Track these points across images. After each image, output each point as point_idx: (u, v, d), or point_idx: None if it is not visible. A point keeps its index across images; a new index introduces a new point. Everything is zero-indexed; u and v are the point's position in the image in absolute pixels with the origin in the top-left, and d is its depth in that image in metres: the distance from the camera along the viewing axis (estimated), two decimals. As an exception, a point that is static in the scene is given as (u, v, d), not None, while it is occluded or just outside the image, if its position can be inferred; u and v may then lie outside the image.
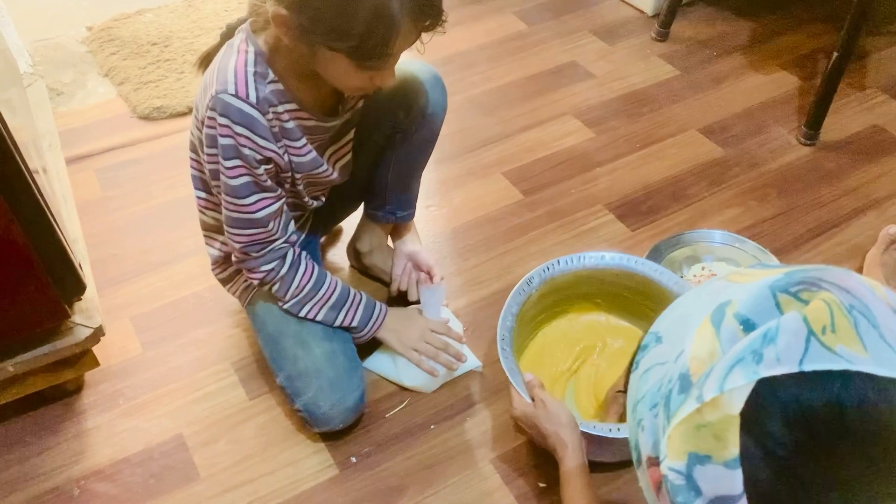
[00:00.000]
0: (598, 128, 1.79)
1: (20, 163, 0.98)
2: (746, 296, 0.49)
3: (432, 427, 1.24)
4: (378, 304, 1.26)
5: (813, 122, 1.73)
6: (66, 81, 1.92)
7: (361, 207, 1.43)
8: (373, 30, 0.92)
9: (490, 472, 1.19)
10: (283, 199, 1.12)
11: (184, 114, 1.80)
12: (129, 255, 1.51)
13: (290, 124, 1.08)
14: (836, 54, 1.63)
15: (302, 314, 1.19)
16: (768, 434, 0.45)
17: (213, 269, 1.29)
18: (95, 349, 1.21)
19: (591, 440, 1.05)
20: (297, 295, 1.17)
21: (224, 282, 1.30)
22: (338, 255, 1.51)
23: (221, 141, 1.02)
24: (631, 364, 0.59)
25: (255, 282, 1.17)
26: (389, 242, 1.46)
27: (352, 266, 1.49)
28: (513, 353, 1.15)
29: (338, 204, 1.36)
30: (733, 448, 0.45)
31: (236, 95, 1.01)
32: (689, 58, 1.99)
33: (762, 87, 1.91)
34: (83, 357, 1.19)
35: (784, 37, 2.06)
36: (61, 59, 1.98)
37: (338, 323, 1.21)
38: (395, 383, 1.29)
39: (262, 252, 1.13)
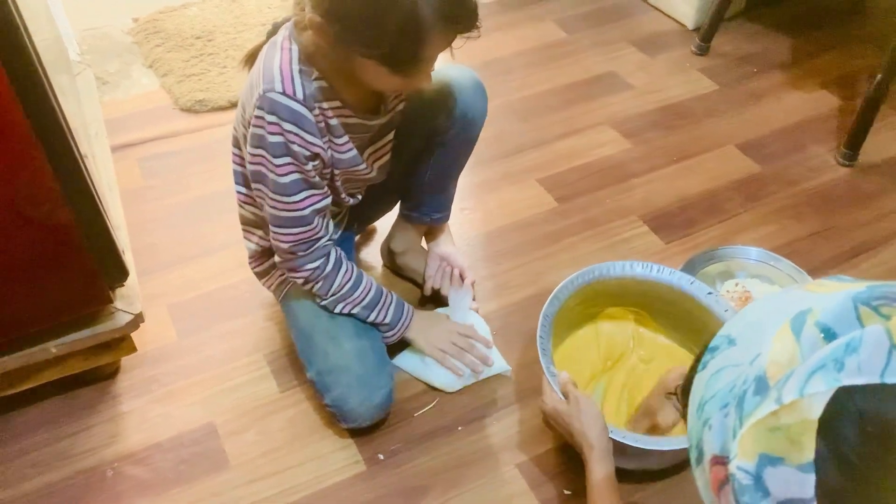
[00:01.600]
0: (635, 139, 1.79)
1: (74, 147, 1.00)
2: (828, 305, 0.50)
3: (459, 428, 1.25)
4: (407, 305, 1.28)
5: (852, 143, 1.71)
6: (111, 71, 1.96)
7: (396, 207, 1.44)
8: (403, 37, 0.93)
9: (515, 477, 1.19)
10: (329, 197, 1.14)
11: (225, 108, 1.83)
12: (167, 244, 1.53)
13: (334, 121, 1.09)
14: (879, 76, 1.62)
15: (336, 311, 1.21)
16: (844, 440, 0.46)
17: (250, 263, 1.31)
18: (133, 335, 1.23)
19: (616, 447, 1.05)
20: (337, 293, 1.19)
21: (260, 275, 1.32)
22: (371, 253, 1.53)
23: (271, 139, 1.04)
24: (694, 366, 0.60)
25: (300, 280, 1.18)
26: (423, 244, 1.47)
27: (384, 265, 1.51)
28: (550, 348, 1.15)
29: (374, 203, 1.37)
30: (808, 452, 0.46)
31: (283, 93, 1.02)
32: (729, 73, 1.99)
33: (802, 105, 1.90)
34: (122, 342, 1.21)
35: (826, 56, 2.05)
36: (108, 49, 2.02)
37: (370, 319, 1.23)
38: (422, 381, 1.30)
39: (309, 250, 1.14)
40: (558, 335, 1.27)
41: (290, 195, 1.08)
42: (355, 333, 1.21)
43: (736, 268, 1.45)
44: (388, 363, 1.24)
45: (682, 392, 0.64)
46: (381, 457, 1.21)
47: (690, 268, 1.42)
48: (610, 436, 1.04)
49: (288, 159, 1.05)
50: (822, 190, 1.67)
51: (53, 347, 1.13)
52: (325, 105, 1.07)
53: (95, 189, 1.08)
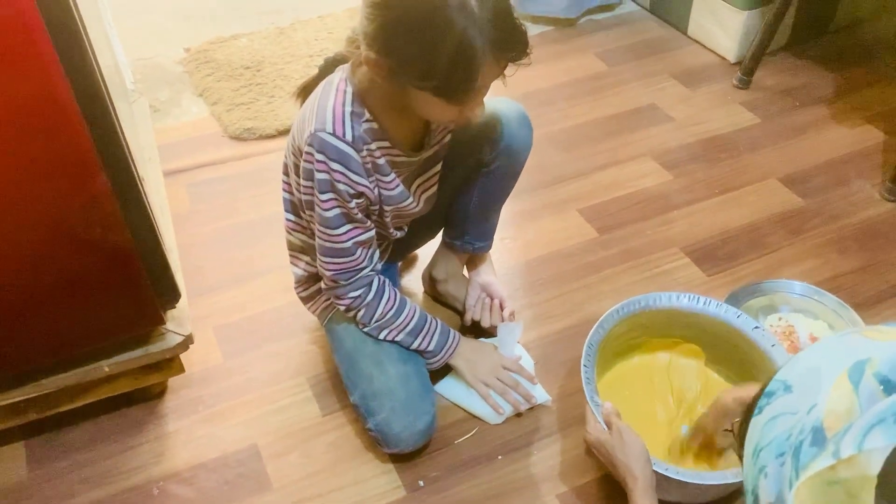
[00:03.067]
0: (676, 171, 1.79)
1: (134, 172, 1.04)
2: (887, 355, 0.49)
3: (499, 458, 1.25)
4: (453, 332, 1.29)
5: (898, 178, 1.70)
6: (162, 99, 2.02)
7: (439, 235, 1.46)
8: (456, 66, 0.95)
9: (556, 507, 1.19)
10: (373, 231, 1.17)
11: (272, 136, 1.88)
12: (214, 267, 1.57)
13: (382, 160, 1.13)
14: (925, 110, 1.61)
15: (381, 337, 1.23)
16: None
17: (295, 288, 1.34)
18: (181, 356, 1.26)
19: (659, 479, 1.04)
20: (380, 320, 1.21)
21: (305, 300, 1.34)
22: (413, 280, 1.54)
23: (318, 175, 1.07)
24: (751, 408, 0.59)
25: (342, 307, 1.21)
26: (465, 272, 1.48)
27: (425, 292, 1.52)
28: (594, 377, 1.15)
29: (417, 231, 1.39)
30: None
31: (333, 134, 1.06)
32: (771, 106, 1.99)
33: (845, 139, 1.89)
34: (171, 363, 1.24)
35: (870, 90, 2.04)
36: (159, 78, 2.09)
37: (414, 346, 1.24)
38: (463, 409, 1.31)
39: (351, 280, 1.17)
40: (602, 365, 1.27)
41: (333, 228, 1.12)
42: (400, 358, 1.23)
43: (780, 302, 1.44)
44: (432, 389, 1.26)
45: (738, 433, 0.63)
46: (422, 483, 1.22)
47: (734, 301, 1.41)
48: (654, 468, 1.03)
49: (331, 195, 1.09)
50: (867, 225, 1.66)
51: (106, 366, 1.16)
52: (373, 146, 1.10)
53: (152, 212, 1.11)
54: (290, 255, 1.31)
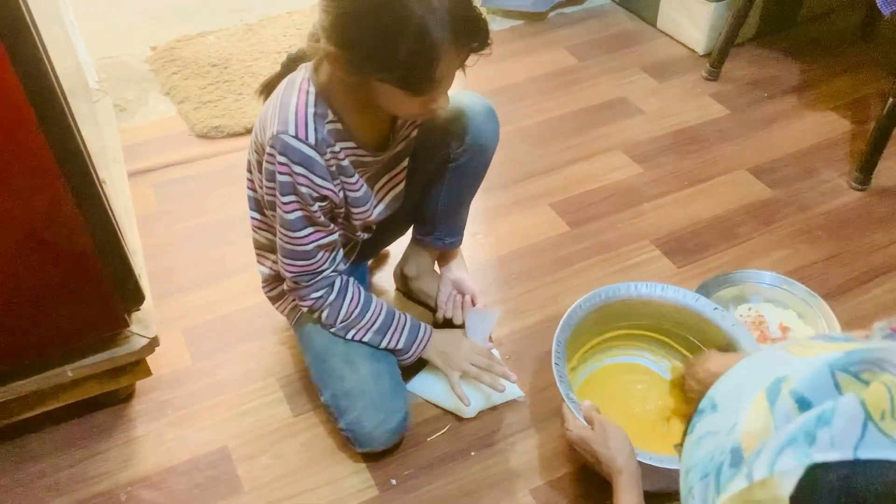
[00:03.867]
0: (647, 163, 1.80)
1: (93, 173, 1.02)
2: (804, 372, 0.48)
3: (473, 454, 1.25)
4: (423, 326, 1.28)
5: (865, 167, 1.72)
6: (128, 98, 1.99)
7: (409, 232, 1.45)
8: (416, 57, 0.94)
9: (529, 502, 1.18)
10: (335, 234, 1.15)
11: (240, 134, 1.85)
12: (182, 268, 1.55)
13: (346, 162, 1.11)
14: (890, 100, 1.63)
15: (348, 337, 1.22)
16: None
17: (263, 287, 1.32)
18: (148, 359, 1.24)
19: (644, 468, 1.04)
20: (345, 320, 1.20)
21: (273, 300, 1.33)
22: (384, 278, 1.53)
23: (280, 178, 1.06)
24: (686, 425, 0.58)
25: (305, 308, 1.20)
26: (436, 268, 1.48)
27: (397, 289, 1.51)
28: (567, 374, 1.15)
29: (387, 229, 1.38)
30: None
31: (296, 137, 1.04)
32: (740, 98, 2.00)
33: (813, 129, 1.90)
34: (137, 366, 1.22)
35: (837, 80, 2.05)
36: (125, 77, 2.05)
37: (383, 345, 1.23)
38: (435, 405, 1.30)
39: (311, 282, 1.16)
40: (576, 360, 1.27)
41: (294, 231, 1.10)
42: (371, 357, 1.22)
43: (749, 292, 1.45)
44: (404, 387, 1.25)
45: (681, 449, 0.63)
46: (395, 482, 1.21)
47: (704, 292, 1.41)
48: (638, 458, 1.03)
49: (294, 198, 1.07)
50: (835, 214, 1.67)
51: (70, 371, 1.14)
52: (336, 148, 1.09)
53: (113, 214, 1.09)
54: (257, 254, 1.29)
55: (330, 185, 1.09)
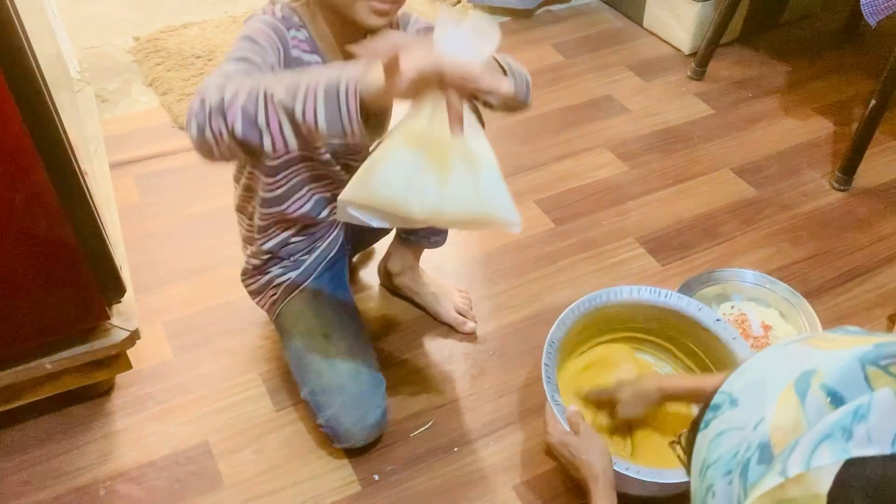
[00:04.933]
0: (632, 161, 1.80)
1: (75, 164, 1.00)
2: (834, 366, 0.47)
3: (455, 449, 1.24)
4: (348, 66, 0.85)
5: (847, 168, 1.73)
6: (111, 89, 1.96)
7: (394, 231, 1.45)
8: None
9: (512, 499, 1.18)
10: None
11: (224, 126, 1.83)
12: (165, 261, 1.53)
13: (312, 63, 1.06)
14: (872, 102, 1.64)
15: (260, 104, 0.83)
16: None
17: (242, 280, 1.31)
18: (128, 352, 1.22)
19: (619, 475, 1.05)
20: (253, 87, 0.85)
21: (253, 294, 1.31)
22: (369, 274, 1.53)
23: (243, 29, 1.00)
24: (697, 421, 0.57)
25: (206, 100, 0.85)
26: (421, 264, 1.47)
27: (381, 285, 1.51)
28: (556, 378, 1.15)
29: (370, 230, 1.37)
30: None
31: (263, 12, 1.03)
32: (725, 98, 2.01)
33: (797, 130, 1.91)
34: (117, 359, 1.21)
35: (820, 82, 2.07)
36: (108, 68, 2.03)
37: (297, 115, 0.83)
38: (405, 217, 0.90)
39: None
40: (561, 361, 1.27)
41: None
42: (349, 353, 1.21)
43: (732, 290, 1.46)
44: (382, 383, 1.24)
45: (686, 445, 0.61)
46: (377, 477, 1.20)
47: (686, 290, 1.42)
48: (614, 468, 1.03)
49: (244, 31, 1.00)
50: (818, 214, 1.68)
51: (49, 363, 1.12)
52: (301, 37, 1.04)
53: (95, 205, 1.08)
54: (243, 247, 1.28)
55: (280, 51, 1.01)
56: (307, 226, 1.22)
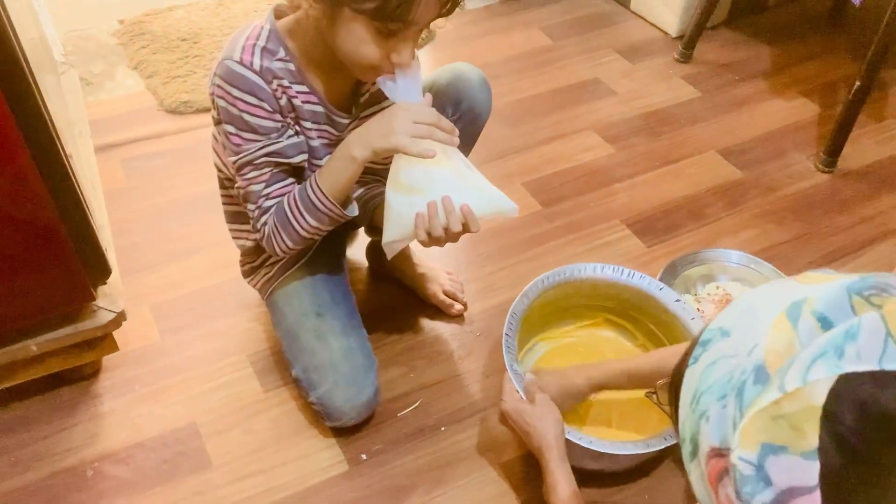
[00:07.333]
0: (619, 144, 1.81)
1: (59, 146, 1.00)
2: (823, 294, 0.51)
3: (443, 429, 1.25)
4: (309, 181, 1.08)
5: (832, 150, 1.74)
6: (95, 72, 1.95)
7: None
8: None
9: (499, 477, 1.19)
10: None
11: (210, 109, 1.82)
12: (151, 244, 1.53)
13: (298, 103, 1.07)
14: (857, 84, 1.65)
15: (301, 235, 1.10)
16: (844, 426, 0.46)
17: (240, 261, 1.31)
18: (115, 334, 1.22)
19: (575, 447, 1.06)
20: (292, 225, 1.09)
21: (246, 273, 1.31)
22: (357, 253, 1.53)
23: (217, 102, 1.03)
24: (684, 361, 0.59)
25: (265, 238, 1.12)
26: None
27: (370, 266, 1.51)
28: (516, 348, 1.16)
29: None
30: (812, 439, 0.46)
31: (240, 62, 1.01)
32: (711, 80, 2.01)
33: (782, 112, 1.92)
34: (104, 341, 1.21)
35: (806, 64, 2.08)
36: (92, 51, 2.01)
37: (317, 203, 1.07)
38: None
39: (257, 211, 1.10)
40: (530, 334, 1.28)
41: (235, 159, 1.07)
42: (342, 332, 1.21)
43: (717, 271, 1.47)
44: (374, 362, 1.24)
45: (671, 388, 0.63)
46: (364, 457, 1.21)
47: (672, 271, 1.43)
48: (567, 437, 1.05)
49: (231, 128, 1.04)
50: (803, 195, 1.70)
51: (34, 345, 1.12)
52: (286, 82, 1.05)
53: (80, 188, 1.07)
54: (231, 229, 1.28)
55: (272, 114, 1.03)
56: None
